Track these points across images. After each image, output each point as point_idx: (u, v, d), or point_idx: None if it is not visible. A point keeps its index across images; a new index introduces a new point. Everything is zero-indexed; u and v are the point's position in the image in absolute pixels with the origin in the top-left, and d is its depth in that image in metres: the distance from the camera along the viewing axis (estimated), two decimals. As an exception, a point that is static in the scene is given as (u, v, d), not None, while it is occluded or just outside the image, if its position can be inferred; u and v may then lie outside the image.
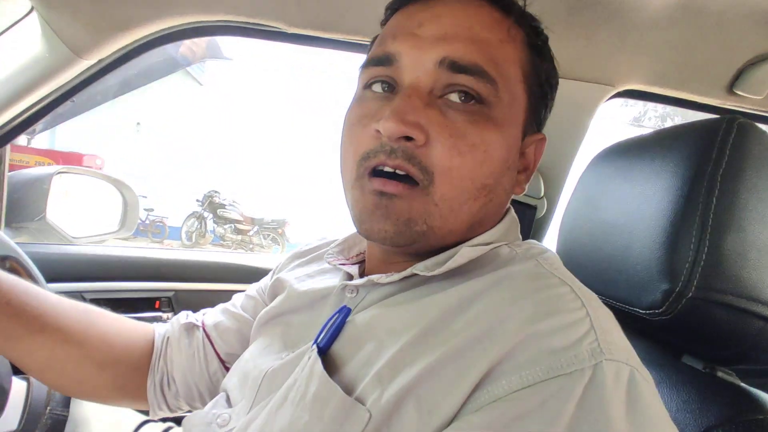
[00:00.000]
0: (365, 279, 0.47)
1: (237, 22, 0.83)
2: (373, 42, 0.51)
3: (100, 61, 0.84)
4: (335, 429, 0.37)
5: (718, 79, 0.85)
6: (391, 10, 0.50)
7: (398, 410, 0.35)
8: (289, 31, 0.84)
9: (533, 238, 0.82)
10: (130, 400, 0.64)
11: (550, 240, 0.95)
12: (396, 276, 0.44)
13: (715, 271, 0.45)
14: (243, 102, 9.82)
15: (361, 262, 0.56)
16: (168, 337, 0.65)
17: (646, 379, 0.34)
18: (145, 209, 8.00)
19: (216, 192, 8.33)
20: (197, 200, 8.29)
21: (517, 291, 0.39)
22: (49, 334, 0.56)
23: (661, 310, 0.48)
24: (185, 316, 0.67)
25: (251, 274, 1.18)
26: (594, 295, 0.40)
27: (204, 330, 0.65)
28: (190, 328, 0.66)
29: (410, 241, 0.43)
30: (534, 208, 0.96)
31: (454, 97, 0.43)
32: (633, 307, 0.52)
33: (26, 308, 0.54)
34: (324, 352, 0.42)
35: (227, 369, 0.63)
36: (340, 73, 9.67)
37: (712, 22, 0.73)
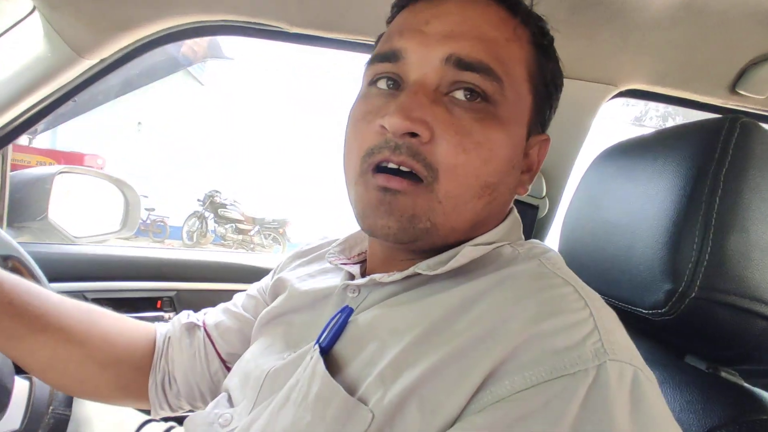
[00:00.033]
0: (367, 278, 0.47)
1: (238, 21, 0.83)
2: (378, 40, 0.51)
3: (102, 60, 0.84)
4: (338, 429, 0.36)
5: (720, 78, 0.84)
6: (398, 8, 0.50)
7: (401, 410, 0.35)
8: (291, 31, 0.84)
9: (535, 237, 0.81)
10: (132, 399, 0.64)
11: (552, 240, 0.95)
12: (398, 275, 0.44)
13: (719, 271, 0.45)
14: (244, 102, 9.84)
15: (363, 262, 0.56)
16: (169, 337, 0.65)
17: (649, 380, 0.34)
18: (146, 209, 8.01)
19: (217, 192, 8.34)
20: (198, 200, 8.30)
21: (520, 291, 0.38)
22: (51, 333, 0.56)
23: (664, 310, 0.48)
24: (186, 316, 0.67)
25: (252, 274, 1.18)
26: (597, 295, 0.40)
27: (205, 330, 0.65)
28: (191, 327, 0.66)
29: (413, 238, 0.43)
30: (536, 208, 0.96)
31: (460, 95, 0.43)
32: (636, 307, 0.52)
33: (28, 308, 0.55)
34: (326, 352, 0.42)
35: (228, 369, 0.63)
36: (345, 73, 9.67)
37: (714, 22, 0.72)
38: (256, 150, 9.75)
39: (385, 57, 0.45)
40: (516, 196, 0.51)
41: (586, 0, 0.71)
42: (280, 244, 8.29)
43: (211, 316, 0.67)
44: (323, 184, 9.10)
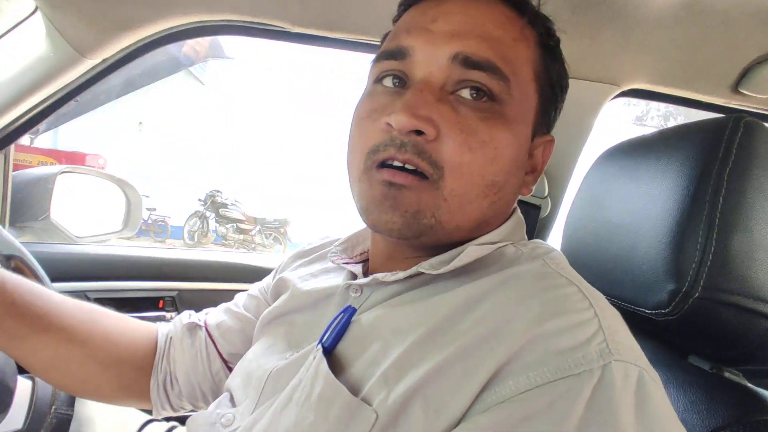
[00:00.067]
0: (370, 278, 0.47)
1: (241, 21, 0.83)
2: (384, 38, 0.51)
3: (104, 60, 0.84)
4: (341, 429, 0.36)
5: (723, 78, 0.84)
6: (405, 6, 0.50)
7: (405, 411, 0.35)
8: (293, 31, 0.84)
9: (537, 237, 0.81)
10: (134, 399, 0.64)
11: (554, 240, 0.95)
12: (401, 274, 0.44)
13: (722, 271, 0.45)
14: (245, 101, 9.84)
15: (365, 261, 0.56)
16: (171, 337, 0.65)
17: (654, 380, 0.34)
18: (147, 208, 8.01)
19: (218, 191, 8.35)
20: (199, 200, 8.31)
21: (524, 290, 0.38)
22: (53, 333, 0.56)
23: (667, 311, 0.47)
24: (188, 316, 0.67)
25: (254, 274, 1.18)
26: (601, 296, 0.40)
27: (206, 330, 0.65)
28: (193, 327, 0.66)
29: (418, 233, 0.42)
30: (538, 208, 0.96)
31: (466, 94, 0.43)
32: (639, 307, 0.52)
33: (31, 308, 0.55)
34: (329, 352, 0.42)
35: (230, 369, 0.63)
36: (347, 73, 9.67)
37: (717, 21, 0.72)
38: (258, 150, 9.76)
39: (391, 54, 0.45)
40: (519, 197, 0.51)
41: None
42: (281, 244, 8.30)
43: (212, 316, 0.67)
44: (324, 184, 9.10)
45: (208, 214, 8.23)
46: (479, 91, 0.43)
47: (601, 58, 0.83)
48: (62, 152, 7.33)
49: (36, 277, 0.85)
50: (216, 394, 0.62)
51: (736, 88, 0.84)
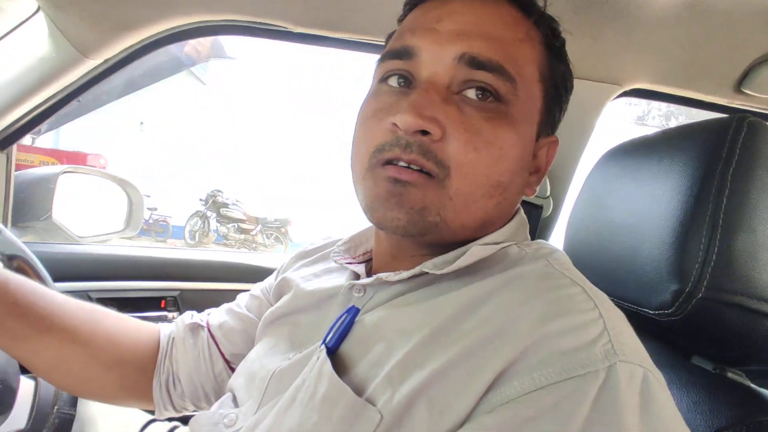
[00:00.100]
0: (374, 277, 0.46)
1: (242, 21, 0.83)
2: (389, 38, 0.51)
3: (106, 60, 0.84)
4: (345, 430, 0.36)
5: (725, 77, 0.84)
6: (410, 6, 0.50)
7: (409, 411, 0.35)
8: (295, 31, 0.84)
9: (539, 237, 0.81)
10: (136, 399, 0.64)
11: (555, 240, 0.95)
12: (405, 274, 0.44)
13: (726, 272, 0.45)
14: (246, 101, 9.85)
15: (368, 261, 0.56)
16: (173, 338, 0.65)
17: (659, 381, 0.34)
18: (148, 208, 8.02)
19: (219, 191, 8.36)
20: (200, 199, 8.31)
21: (528, 291, 0.38)
22: (55, 334, 0.56)
23: (670, 311, 0.47)
24: (190, 317, 0.67)
25: (255, 274, 1.18)
26: (605, 296, 0.40)
27: (209, 330, 0.65)
28: (195, 328, 0.66)
29: (422, 231, 0.42)
30: (540, 208, 0.96)
31: (471, 94, 0.43)
32: (642, 307, 0.51)
33: (33, 308, 0.55)
34: (333, 352, 0.42)
35: (232, 369, 0.63)
36: (347, 73, 9.67)
37: (719, 21, 0.72)
38: (259, 150, 9.77)
39: (396, 54, 0.45)
40: (522, 197, 0.51)
41: None
42: (282, 244, 8.30)
43: (214, 316, 0.67)
44: (325, 184, 9.11)
45: (209, 213, 8.24)
46: (485, 91, 0.42)
47: (604, 58, 0.83)
48: (64, 152, 7.33)
49: (38, 277, 0.85)
50: (219, 394, 0.62)
51: (738, 87, 0.84)
